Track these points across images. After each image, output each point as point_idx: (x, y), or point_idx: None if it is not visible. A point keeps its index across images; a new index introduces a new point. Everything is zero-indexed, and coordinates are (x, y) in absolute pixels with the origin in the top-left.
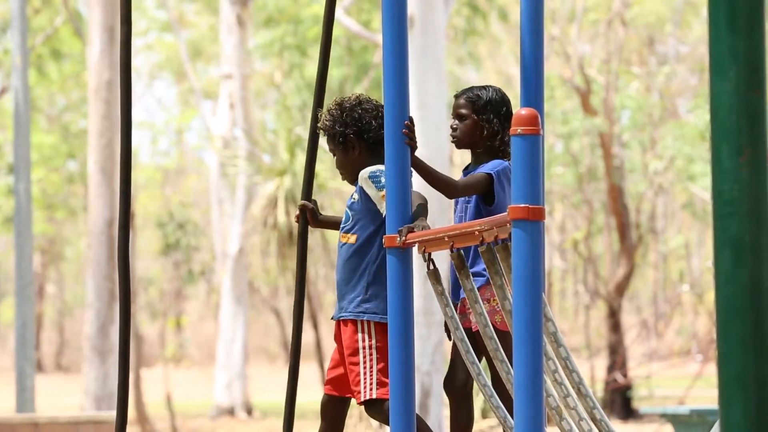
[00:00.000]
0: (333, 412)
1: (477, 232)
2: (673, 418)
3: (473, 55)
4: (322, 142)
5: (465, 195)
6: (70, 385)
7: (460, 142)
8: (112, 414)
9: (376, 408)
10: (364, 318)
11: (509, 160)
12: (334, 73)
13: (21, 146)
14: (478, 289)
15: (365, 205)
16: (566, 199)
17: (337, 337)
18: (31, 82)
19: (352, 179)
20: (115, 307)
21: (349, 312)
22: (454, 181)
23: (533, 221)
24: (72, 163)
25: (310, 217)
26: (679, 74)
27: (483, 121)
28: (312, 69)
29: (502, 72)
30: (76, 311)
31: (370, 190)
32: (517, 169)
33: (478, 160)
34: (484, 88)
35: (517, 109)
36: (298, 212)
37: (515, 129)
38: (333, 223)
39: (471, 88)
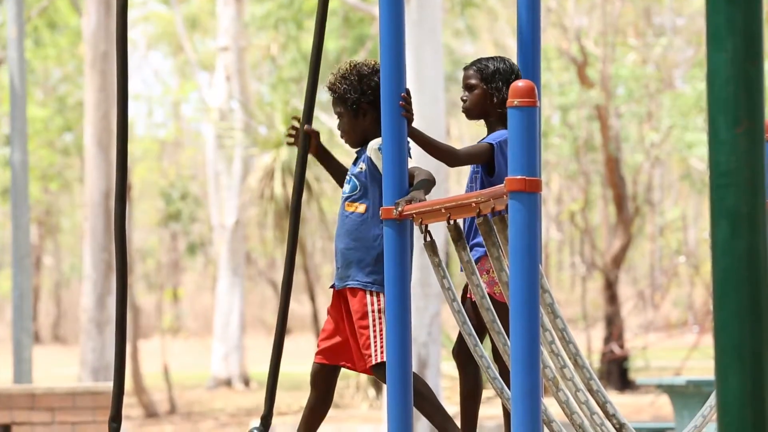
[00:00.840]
0: (324, 382)
1: (474, 204)
2: (669, 389)
3: (470, 27)
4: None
5: (467, 164)
6: (67, 356)
7: (470, 113)
8: (109, 385)
9: (381, 371)
10: (373, 289)
11: None
12: (330, 46)
13: (17, 118)
14: (479, 260)
15: (373, 176)
16: (563, 170)
17: (336, 307)
18: (27, 54)
19: (356, 144)
20: (112, 278)
21: (358, 281)
22: (455, 149)
23: (530, 193)
24: (67, 135)
25: (315, 141)
26: (675, 46)
27: (492, 89)
28: (309, 41)
29: (499, 44)
30: (73, 283)
31: (379, 162)
32: (513, 141)
33: (491, 129)
34: (492, 58)
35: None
36: (290, 131)
37: (512, 101)
38: (335, 163)
39: (479, 60)
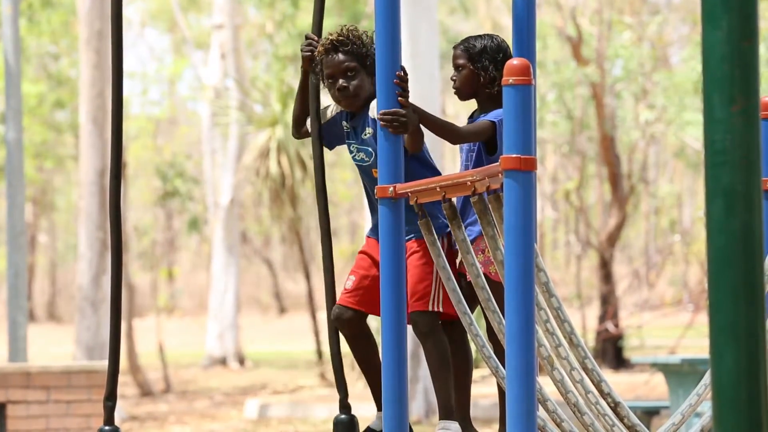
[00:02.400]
0: (363, 327)
1: (469, 183)
2: (664, 368)
3: (465, 5)
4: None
5: (469, 141)
6: (62, 335)
7: (460, 93)
8: (104, 363)
9: (428, 317)
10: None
11: None
12: (325, 23)
13: (12, 96)
14: (475, 239)
15: None
16: (558, 149)
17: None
18: (22, 31)
19: (358, 105)
20: (107, 257)
21: (416, 234)
22: (457, 127)
23: (525, 171)
24: (61, 112)
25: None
26: (671, 23)
27: (479, 69)
28: (304, 19)
29: (494, 22)
30: (69, 261)
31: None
32: (508, 120)
33: (483, 108)
34: (480, 36)
35: (509, 59)
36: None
37: (507, 79)
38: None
39: (467, 38)
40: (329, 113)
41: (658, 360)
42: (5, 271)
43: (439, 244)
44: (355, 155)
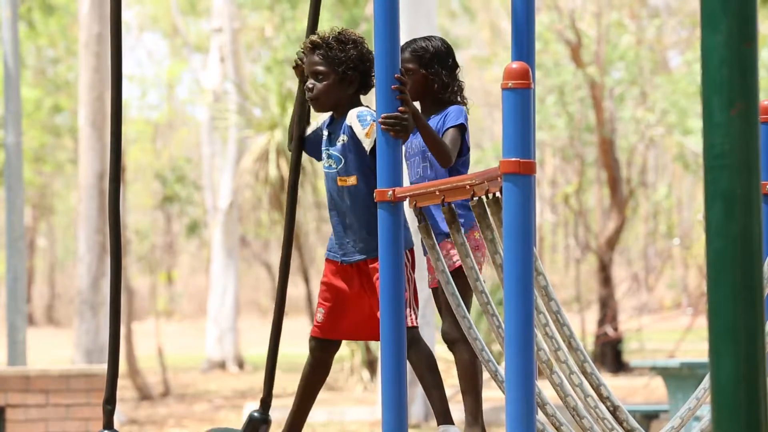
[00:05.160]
0: (328, 359)
1: (468, 186)
2: (663, 371)
3: (465, 8)
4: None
5: (453, 159)
6: (61, 339)
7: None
8: (103, 367)
9: (410, 333)
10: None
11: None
12: (324, 26)
13: (11, 100)
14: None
15: (355, 145)
16: (558, 152)
17: (348, 276)
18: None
19: (322, 109)
20: (106, 260)
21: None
22: (450, 151)
23: (524, 175)
24: (59, 116)
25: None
26: (670, 26)
27: (431, 74)
28: (304, 22)
29: (493, 25)
30: (68, 265)
31: (358, 129)
32: (507, 123)
33: (426, 111)
34: (428, 39)
35: (508, 63)
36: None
37: (506, 83)
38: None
39: (415, 41)
40: (319, 122)
41: (657, 363)
42: (4, 275)
43: (438, 248)
44: (324, 161)
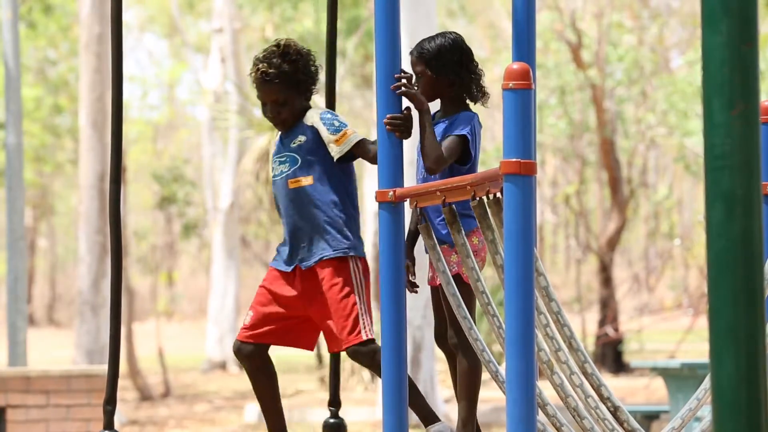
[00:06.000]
0: (265, 361)
1: (469, 187)
2: (663, 372)
3: (465, 9)
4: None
5: (447, 164)
6: (62, 339)
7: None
8: (103, 368)
9: (367, 347)
10: (352, 254)
11: (481, 100)
12: (323, 27)
13: (12, 100)
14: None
15: (315, 146)
16: (558, 153)
17: (293, 284)
18: (21, 35)
19: (288, 127)
20: (107, 261)
21: (335, 251)
22: (440, 157)
23: (524, 176)
24: (60, 116)
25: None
26: (671, 27)
27: (439, 74)
28: (304, 22)
29: (494, 26)
30: (68, 265)
31: (323, 132)
32: (508, 124)
33: (445, 111)
34: (433, 38)
35: (509, 63)
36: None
37: (507, 83)
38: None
39: (422, 41)
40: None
41: (657, 364)
42: (5, 276)
43: (438, 249)
44: (275, 170)
